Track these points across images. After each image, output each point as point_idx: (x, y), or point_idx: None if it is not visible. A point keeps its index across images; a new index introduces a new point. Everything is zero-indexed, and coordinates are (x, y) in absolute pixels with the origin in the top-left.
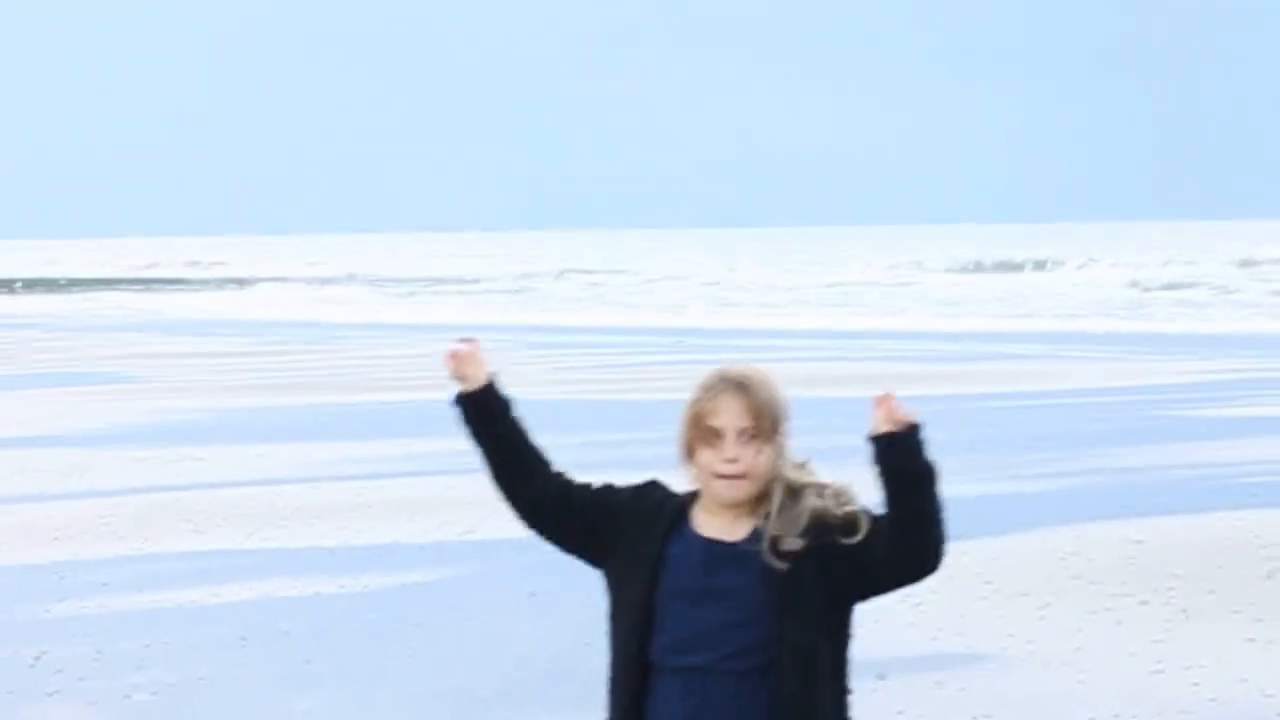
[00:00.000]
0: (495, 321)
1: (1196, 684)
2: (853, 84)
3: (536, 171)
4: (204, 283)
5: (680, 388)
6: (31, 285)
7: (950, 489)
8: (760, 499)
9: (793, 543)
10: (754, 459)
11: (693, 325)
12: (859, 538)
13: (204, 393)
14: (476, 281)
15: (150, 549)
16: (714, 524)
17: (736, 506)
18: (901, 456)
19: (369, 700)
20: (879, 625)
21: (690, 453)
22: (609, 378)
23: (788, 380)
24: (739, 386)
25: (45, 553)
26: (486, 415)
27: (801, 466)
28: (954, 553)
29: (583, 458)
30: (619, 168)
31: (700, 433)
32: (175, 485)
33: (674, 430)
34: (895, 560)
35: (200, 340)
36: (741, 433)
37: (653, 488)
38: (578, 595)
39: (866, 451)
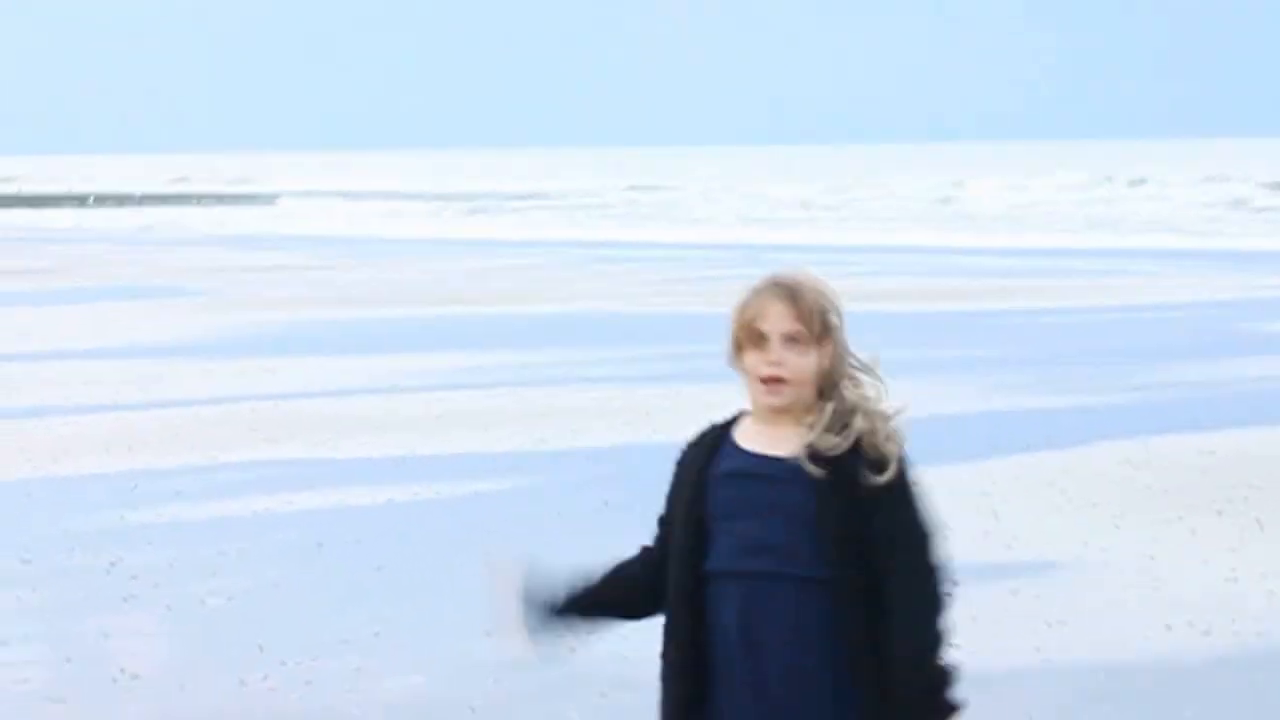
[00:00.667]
0: (567, 237)
1: (1272, 592)
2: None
3: (597, 86)
4: (264, 197)
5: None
6: (103, 200)
7: (1024, 401)
8: (809, 411)
9: (823, 465)
10: (798, 363)
11: (763, 239)
12: (882, 480)
13: (273, 306)
14: (544, 197)
15: (223, 458)
16: (761, 437)
17: (782, 416)
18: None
19: (440, 608)
20: (953, 534)
21: (738, 353)
22: (681, 291)
23: (861, 294)
24: (788, 291)
25: (120, 462)
26: (579, 613)
27: (869, 370)
28: (1028, 464)
29: (658, 370)
30: (684, 83)
31: (748, 335)
32: (248, 396)
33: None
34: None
35: (266, 254)
36: (786, 337)
37: (680, 459)
38: (651, 505)
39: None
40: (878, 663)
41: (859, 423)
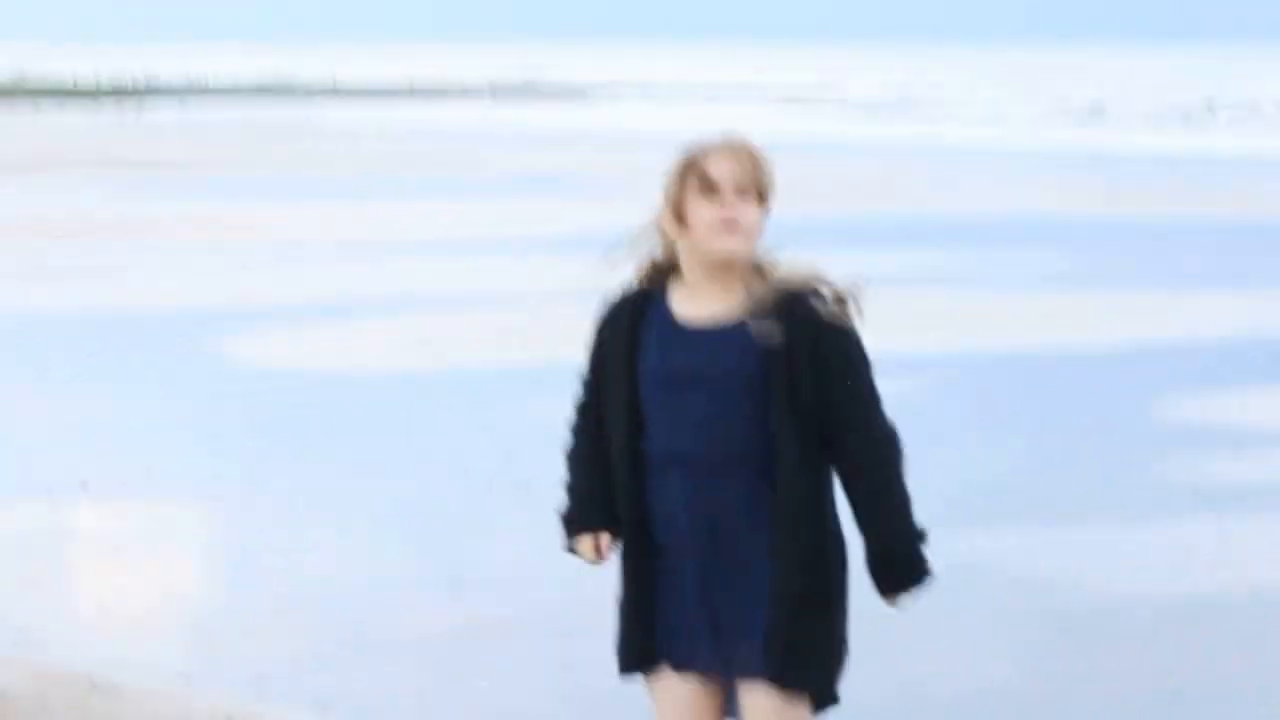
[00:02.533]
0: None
1: None
2: None
3: None
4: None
5: None
6: (443, 93)
7: None
8: (742, 280)
9: (774, 328)
10: (750, 214)
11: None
12: (836, 344)
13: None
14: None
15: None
16: (697, 303)
17: (725, 274)
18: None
19: None
20: None
21: (680, 217)
22: None
23: None
24: (737, 146)
25: (519, 357)
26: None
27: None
28: None
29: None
30: None
31: (697, 185)
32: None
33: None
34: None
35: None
36: (739, 187)
37: (602, 315)
38: (1051, 410)
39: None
40: (817, 533)
41: (810, 283)
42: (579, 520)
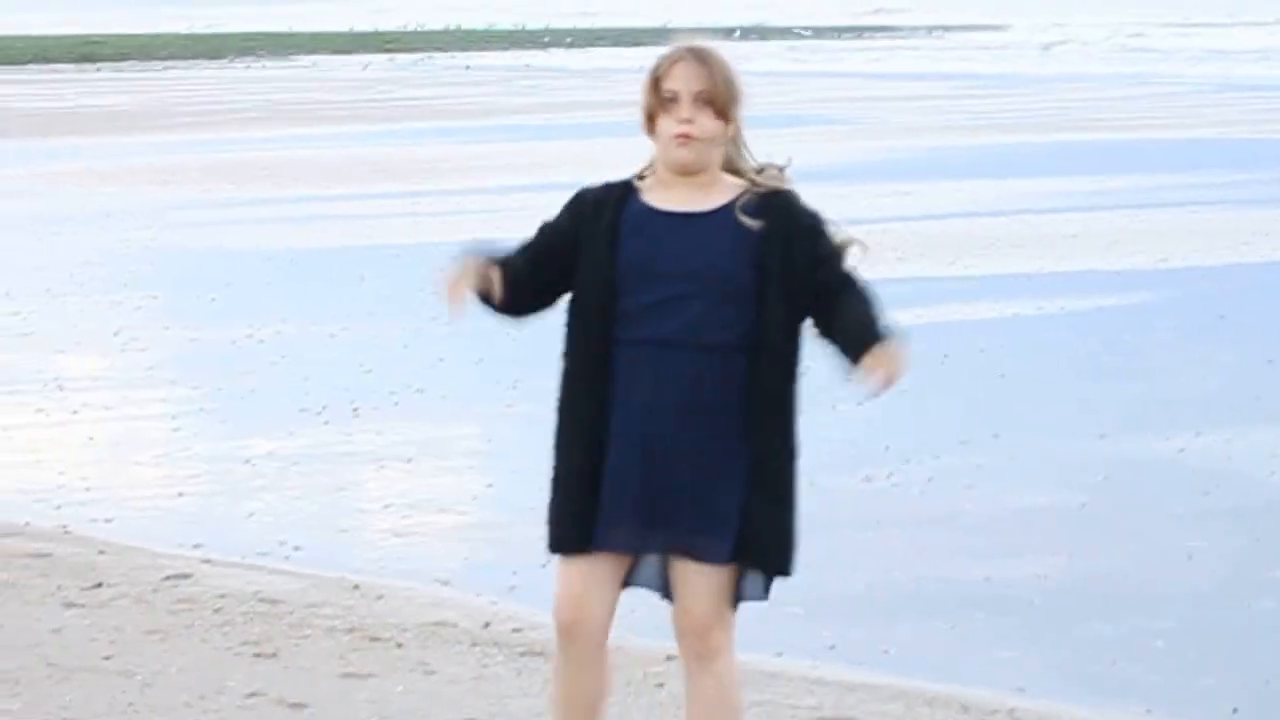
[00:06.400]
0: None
1: None
2: None
3: None
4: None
5: None
6: (747, 33)
7: None
8: (715, 182)
9: (750, 220)
10: (708, 123)
11: None
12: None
13: (909, 133)
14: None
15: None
16: (670, 198)
17: (690, 179)
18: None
19: (1057, 413)
20: None
21: (651, 125)
22: None
23: None
24: (697, 55)
25: None
26: (507, 297)
27: (770, 164)
28: None
29: (1269, 193)
30: None
31: (659, 98)
32: (884, 217)
33: None
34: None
35: (900, 84)
36: (696, 97)
37: (584, 192)
38: (1271, 319)
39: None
40: (783, 421)
41: (784, 184)
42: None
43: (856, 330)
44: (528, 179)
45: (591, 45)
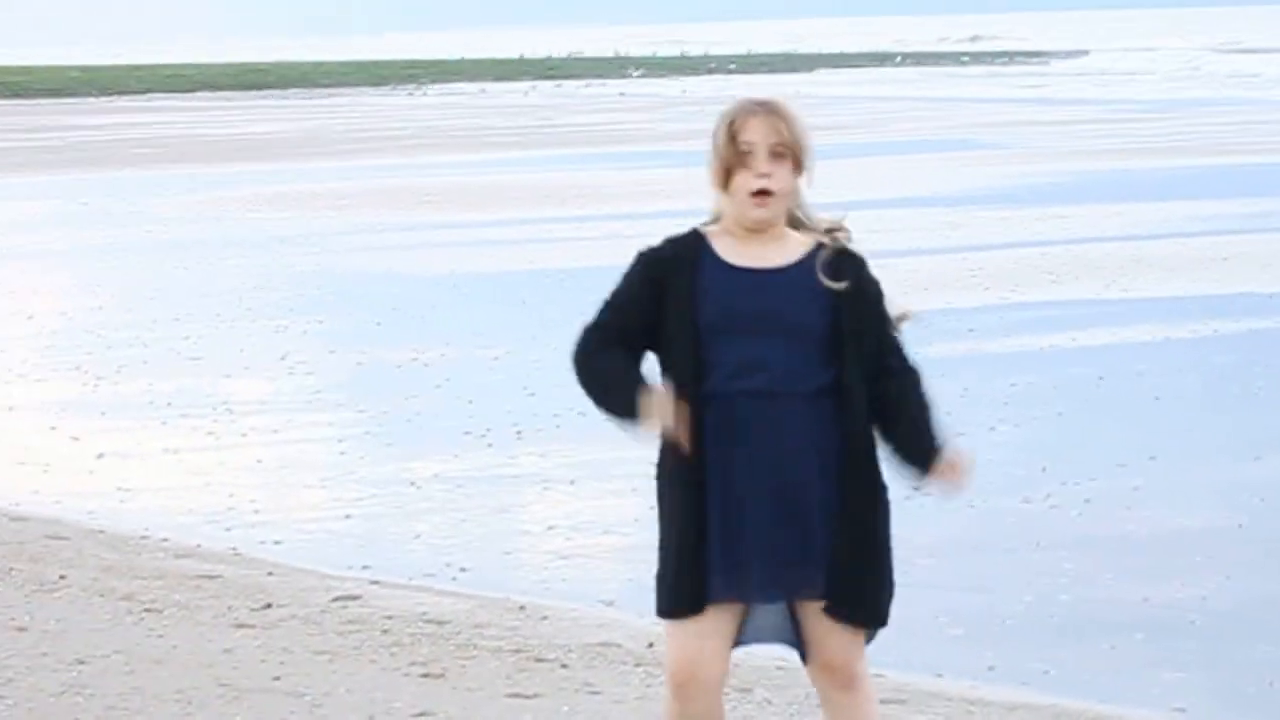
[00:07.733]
0: None
1: None
2: None
3: None
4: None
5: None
6: (908, 58)
7: None
8: (783, 237)
9: (833, 283)
10: (784, 175)
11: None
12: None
13: (1064, 157)
14: None
15: (1015, 298)
16: (745, 254)
17: (764, 233)
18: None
19: (1211, 437)
20: None
21: (726, 182)
22: None
23: None
24: (769, 107)
25: (920, 301)
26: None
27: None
28: None
29: None
30: None
31: (734, 153)
32: (1040, 241)
33: None
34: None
35: (1050, 109)
36: (773, 150)
37: (650, 254)
38: None
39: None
40: (878, 469)
41: (846, 235)
42: (635, 383)
43: (918, 439)
44: (684, 205)
45: (753, 71)
